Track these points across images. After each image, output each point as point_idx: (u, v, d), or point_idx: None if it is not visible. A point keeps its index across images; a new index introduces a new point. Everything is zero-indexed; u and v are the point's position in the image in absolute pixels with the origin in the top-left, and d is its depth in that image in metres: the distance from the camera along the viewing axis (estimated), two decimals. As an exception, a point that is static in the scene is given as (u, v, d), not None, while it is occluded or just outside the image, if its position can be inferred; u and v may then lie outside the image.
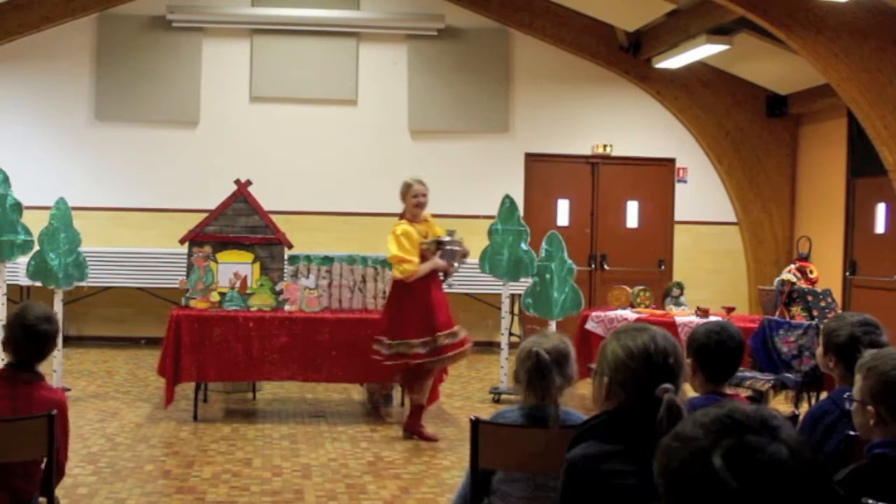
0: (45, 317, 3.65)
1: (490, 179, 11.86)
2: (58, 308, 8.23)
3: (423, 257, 6.93)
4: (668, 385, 2.47)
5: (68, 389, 8.26)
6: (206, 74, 11.85)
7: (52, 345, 3.71)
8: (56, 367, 8.13)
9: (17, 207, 8.12)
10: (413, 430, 7.09)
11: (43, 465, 3.56)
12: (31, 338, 3.61)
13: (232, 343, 7.43)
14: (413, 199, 7.03)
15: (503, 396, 8.50)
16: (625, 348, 2.58)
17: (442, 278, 7.08)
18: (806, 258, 8.46)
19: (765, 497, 1.43)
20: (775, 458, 1.45)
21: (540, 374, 3.25)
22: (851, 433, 2.97)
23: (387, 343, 6.96)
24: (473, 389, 9.22)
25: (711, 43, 10.44)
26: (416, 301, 6.96)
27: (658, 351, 2.56)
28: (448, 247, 6.96)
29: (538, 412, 3.30)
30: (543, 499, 3.27)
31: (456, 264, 7.04)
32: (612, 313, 8.41)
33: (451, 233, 7.06)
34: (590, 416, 2.71)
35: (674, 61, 11.38)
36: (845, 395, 3.26)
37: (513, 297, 10.22)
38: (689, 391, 3.21)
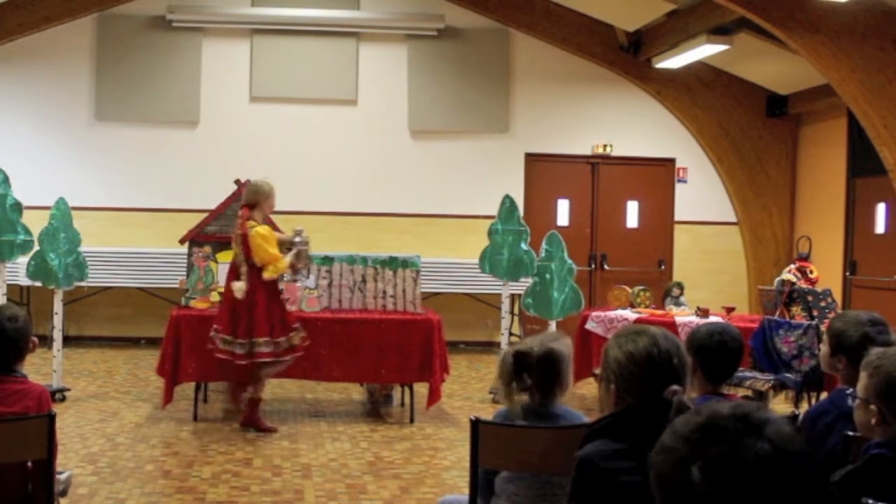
0: (10, 316, 3.64)
1: (490, 179, 11.86)
2: (58, 308, 8.24)
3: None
4: (676, 387, 2.48)
5: (68, 389, 8.27)
6: (206, 74, 11.85)
7: (21, 342, 3.66)
8: (56, 367, 8.14)
9: (17, 207, 8.12)
10: (251, 422, 7.17)
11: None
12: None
13: (232, 343, 7.42)
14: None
15: (503, 396, 8.49)
16: (627, 354, 2.59)
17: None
18: (806, 258, 8.46)
19: (744, 500, 1.42)
20: (759, 455, 1.43)
21: (555, 374, 3.31)
22: (850, 433, 2.96)
23: (240, 342, 7.00)
24: (473, 389, 9.22)
25: (711, 43, 10.43)
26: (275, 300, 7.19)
27: (661, 353, 2.56)
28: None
29: (541, 409, 3.35)
30: (549, 497, 3.27)
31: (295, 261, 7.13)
32: (612, 313, 8.41)
33: (298, 232, 7.19)
34: (596, 418, 2.72)
35: (674, 61, 11.38)
36: (848, 392, 3.24)
37: (513, 297, 10.21)
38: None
